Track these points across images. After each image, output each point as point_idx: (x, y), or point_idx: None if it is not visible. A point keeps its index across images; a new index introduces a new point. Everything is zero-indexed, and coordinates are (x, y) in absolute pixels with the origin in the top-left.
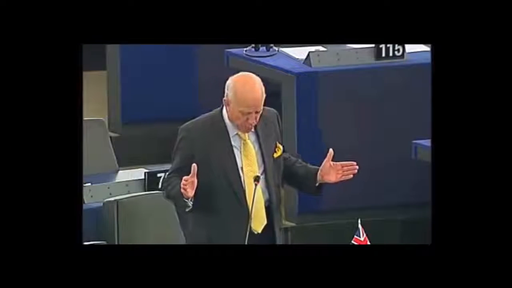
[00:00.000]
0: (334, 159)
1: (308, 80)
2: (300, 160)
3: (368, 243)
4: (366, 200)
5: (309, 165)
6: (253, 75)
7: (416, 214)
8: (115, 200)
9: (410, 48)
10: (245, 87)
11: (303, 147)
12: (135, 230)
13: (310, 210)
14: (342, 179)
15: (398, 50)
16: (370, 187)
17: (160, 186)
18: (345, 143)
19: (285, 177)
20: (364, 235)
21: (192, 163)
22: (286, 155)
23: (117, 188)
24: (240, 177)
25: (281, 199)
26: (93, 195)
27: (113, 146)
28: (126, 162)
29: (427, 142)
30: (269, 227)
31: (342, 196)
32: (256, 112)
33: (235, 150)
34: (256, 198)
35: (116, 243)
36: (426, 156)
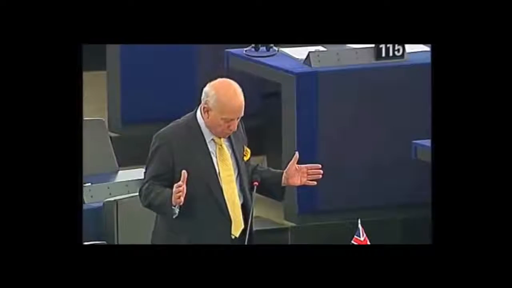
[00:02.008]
0: (334, 159)
1: (308, 80)
2: (260, 165)
3: (368, 243)
4: (366, 200)
5: (271, 169)
6: (233, 82)
7: (416, 214)
8: (115, 200)
9: (410, 48)
10: (227, 94)
11: (303, 147)
12: (135, 230)
13: (310, 210)
14: (307, 183)
15: (398, 50)
16: (370, 187)
17: (140, 196)
18: (345, 143)
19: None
20: (364, 235)
21: (170, 170)
22: (252, 163)
23: (117, 188)
24: (219, 182)
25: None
26: (93, 195)
27: (113, 146)
28: (126, 162)
29: (427, 142)
30: (246, 231)
31: (342, 196)
32: (238, 119)
33: (212, 156)
34: (234, 202)
35: (116, 243)
36: (426, 156)
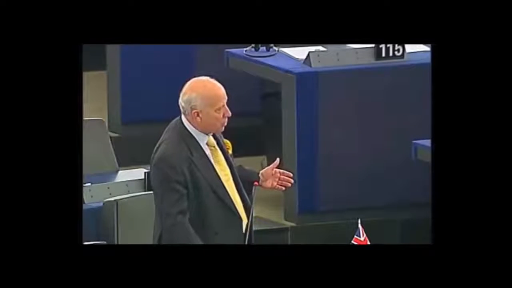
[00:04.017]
0: (334, 159)
1: (308, 80)
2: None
3: (368, 243)
4: (366, 200)
5: (247, 169)
6: (199, 77)
7: (416, 214)
8: (115, 200)
9: (410, 48)
10: (207, 87)
11: (303, 147)
12: (135, 230)
13: (310, 210)
14: (277, 187)
15: (398, 50)
16: (370, 187)
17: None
18: (345, 143)
19: None
20: (364, 235)
21: (186, 188)
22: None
23: (117, 188)
24: (223, 184)
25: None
26: (93, 195)
27: (113, 146)
28: (126, 162)
29: (427, 142)
30: (249, 226)
31: (342, 196)
32: (226, 103)
33: (210, 159)
34: (236, 200)
35: (116, 243)
36: (426, 156)
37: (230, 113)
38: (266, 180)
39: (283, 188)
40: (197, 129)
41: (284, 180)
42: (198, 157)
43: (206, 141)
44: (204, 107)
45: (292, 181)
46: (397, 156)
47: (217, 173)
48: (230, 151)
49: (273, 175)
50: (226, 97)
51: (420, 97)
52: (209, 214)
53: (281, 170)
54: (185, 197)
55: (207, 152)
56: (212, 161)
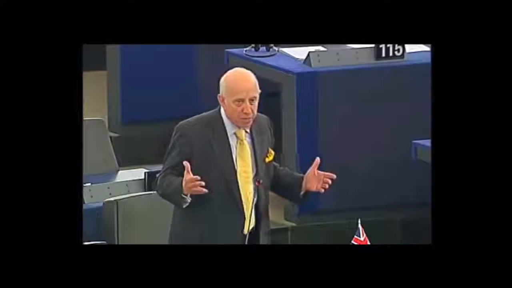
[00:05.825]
0: (334, 159)
1: (308, 80)
2: (286, 169)
3: (368, 243)
4: (366, 200)
5: (294, 173)
6: (244, 69)
7: (416, 214)
8: (115, 200)
9: (410, 48)
10: (235, 77)
11: (303, 147)
12: (135, 230)
13: (310, 210)
14: (320, 189)
15: (398, 50)
16: (370, 187)
17: (156, 185)
18: (345, 143)
19: (272, 185)
20: (364, 235)
21: (189, 161)
22: (275, 164)
23: (117, 188)
24: (236, 177)
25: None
26: (93, 195)
27: (113, 146)
28: (126, 162)
29: (427, 142)
30: (255, 230)
31: (342, 196)
32: (250, 101)
33: (232, 149)
34: (248, 200)
35: (116, 243)
36: (426, 156)
37: (250, 111)
38: (309, 182)
39: (322, 190)
40: (227, 116)
41: (326, 182)
42: (219, 142)
43: (234, 131)
44: (226, 95)
45: (334, 178)
46: (397, 156)
47: (234, 166)
48: (267, 160)
49: (316, 177)
50: (254, 95)
51: (420, 97)
52: (212, 196)
53: (323, 173)
54: (180, 167)
55: (232, 142)
56: (235, 153)
